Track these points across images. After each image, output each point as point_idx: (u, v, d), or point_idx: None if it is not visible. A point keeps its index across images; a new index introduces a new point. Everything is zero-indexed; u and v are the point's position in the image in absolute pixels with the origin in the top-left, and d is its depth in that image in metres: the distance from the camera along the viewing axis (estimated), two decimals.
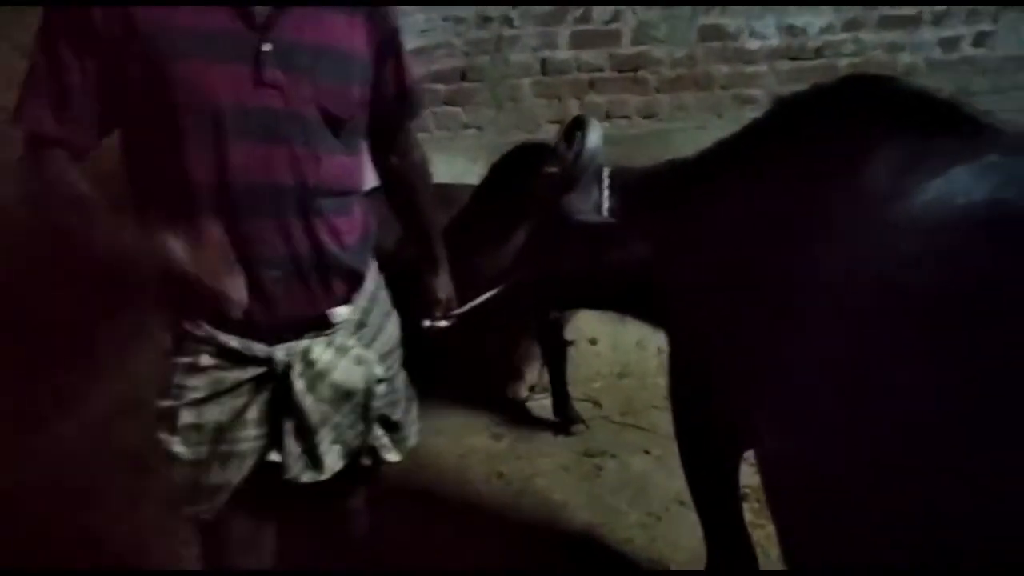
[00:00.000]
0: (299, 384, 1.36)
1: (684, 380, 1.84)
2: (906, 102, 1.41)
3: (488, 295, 2.00)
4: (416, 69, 1.59)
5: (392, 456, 1.59)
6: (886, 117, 1.38)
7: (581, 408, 3.12)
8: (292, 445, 1.37)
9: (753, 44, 3.65)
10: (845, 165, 1.36)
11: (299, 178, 1.29)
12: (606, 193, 1.97)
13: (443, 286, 1.80)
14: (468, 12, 3.51)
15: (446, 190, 2.16)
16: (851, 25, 3.68)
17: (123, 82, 1.20)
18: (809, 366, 1.23)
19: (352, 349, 1.43)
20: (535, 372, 3.33)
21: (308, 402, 1.36)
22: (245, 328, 1.33)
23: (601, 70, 3.65)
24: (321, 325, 1.41)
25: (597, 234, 1.93)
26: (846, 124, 1.43)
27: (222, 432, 1.36)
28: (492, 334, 3.17)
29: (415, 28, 3.45)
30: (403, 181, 1.65)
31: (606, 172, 2.01)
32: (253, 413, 1.37)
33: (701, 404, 1.75)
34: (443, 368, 2.51)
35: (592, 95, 3.69)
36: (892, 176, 1.29)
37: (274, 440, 1.38)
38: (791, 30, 3.66)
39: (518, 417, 3.18)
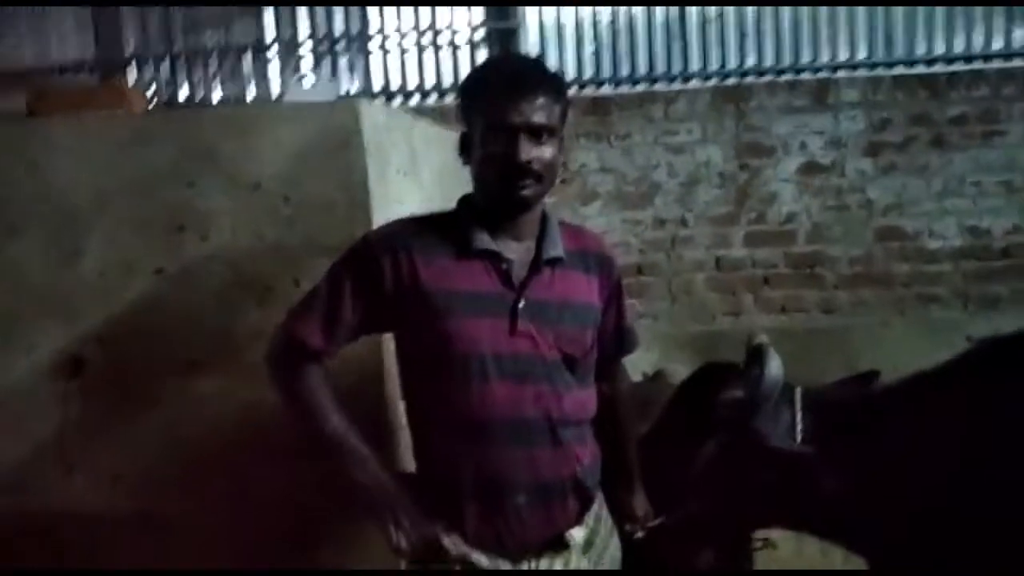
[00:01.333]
0: None
1: None
2: None
3: (667, 517, 2.01)
4: (631, 312, 1.79)
5: None
6: None
7: None
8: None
9: (934, 244, 3.65)
10: None
11: (545, 412, 1.44)
12: (799, 415, 1.98)
13: (640, 504, 1.87)
14: (645, 215, 3.74)
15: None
16: None
17: (396, 326, 1.47)
18: None
19: (583, 566, 1.50)
20: None
21: None
22: (494, 548, 1.45)
23: (775, 266, 3.74)
24: (558, 545, 1.49)
25: (792, 461, 1.93)
26: None
27: None
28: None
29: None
30: (611, 407, 1.76)
31: (798, 393, 2.02)
32: None
33: None
34: None
35: (767, 290, 3.77)
36: None
37: None
38: (974, 231, 3.64)
39: None
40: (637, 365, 2.93)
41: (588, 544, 1.54)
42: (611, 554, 1.62)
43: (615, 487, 1.84)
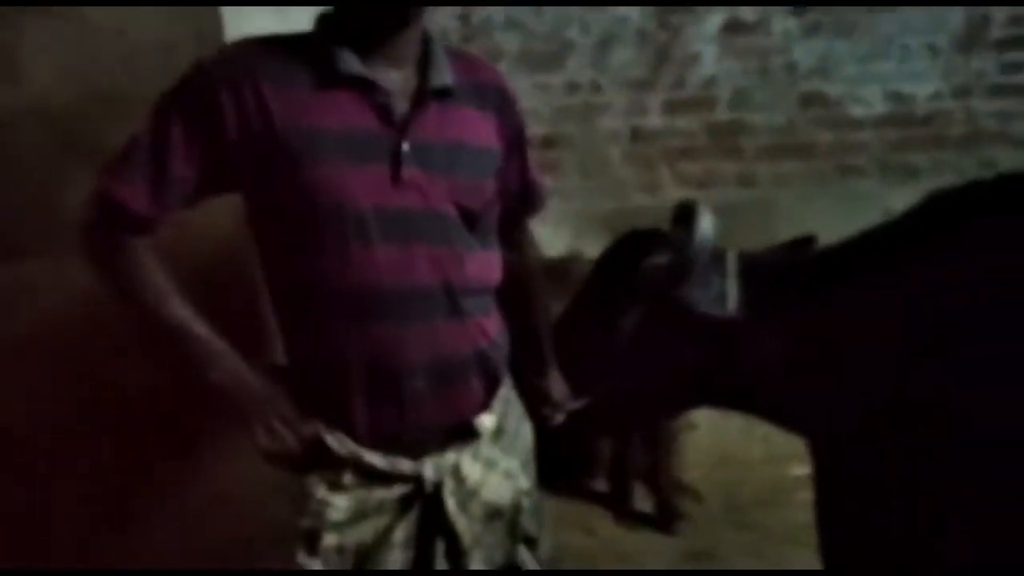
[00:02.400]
0: (451, 503, 1.25)
1: (839, 505, 1.63)
2: None
3: (599, 397, 1.84)
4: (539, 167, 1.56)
5: None
6: None
7: (681, 500, 2.89)
8: (443, 569, 1.25)
9: (857, 111, 3.50)
10: None
11: (442, 278, 1.22)
12: (732, 281, 1.80)
13: (555, 386, 1.70)
14: (555, 79, 3.43)
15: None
16: (960, 93, 3.51)
17: (245, 182, 1.17)
18: None
19: (500, 463, 1.33)
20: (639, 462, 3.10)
21: (461, 523, 1.26)
22: (389, 444, 1.22)
23: (694, 137, 3.52)
24: (465, 434, 1.29)
25: (725, 329, 1.76)
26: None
27: (366, 555, 1.24)
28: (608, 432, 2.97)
29: None
30: (519, 278, 1.54)
31: (731, 257, 1.84)
32: (400, 535, 1.24)
33: (859, 531, 1.55)
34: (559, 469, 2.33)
35: (685, 163, 3.56)
36: None
37: (422, 564, 1.26)
38: (897, 97, 3.50)
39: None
40: (547, 247, 2.72)
41: (498, 432, 1.34)
42: (523, 443, 1.43)
43: (526, 368, 1.65)
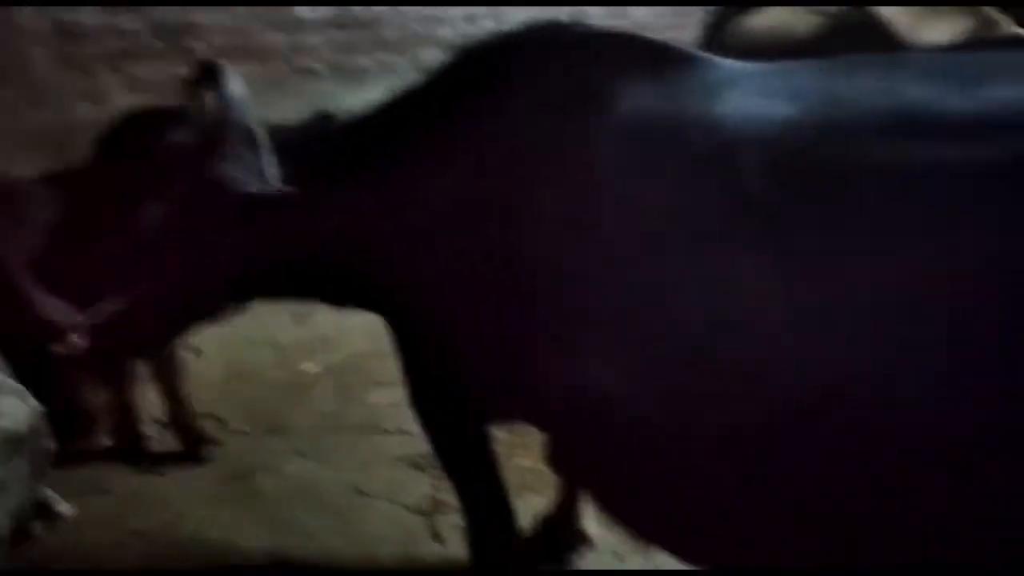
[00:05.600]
0: None
1: (423, 362, 1.68)
2: (609, 42, 1.47)
3: (125, 307, 1.57)
4: None
5: (65, 508, 1.17)
6: (606, 57, 1.40)
7: (204, 426, 2.67)
8: None
9: (305, 13, 3.52)
10: (583, 101, 1.34)
11: None
12: (270, 156, 1.68)
13: (51, 306, 1.42)
14: None
15: None
16: None
17: None
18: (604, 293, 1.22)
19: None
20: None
21: None
22: None
23: (138, 36, 3.13)
24: None
25: (272, 206, 1.63)
26: (566, 66, 1.42)
27: None
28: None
29: None
30: None
31: (260, 131, 1.71)
32: None
33: (445, 383, 1.64)
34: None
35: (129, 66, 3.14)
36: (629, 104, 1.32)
37: None
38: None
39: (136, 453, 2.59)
40: None
41: None
42: None
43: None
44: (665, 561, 1.66)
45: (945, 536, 0.98)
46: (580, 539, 2.15)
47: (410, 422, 2.52)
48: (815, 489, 1.04)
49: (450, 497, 2.30)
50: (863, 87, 1.13)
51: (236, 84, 1.66)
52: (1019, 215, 0.90)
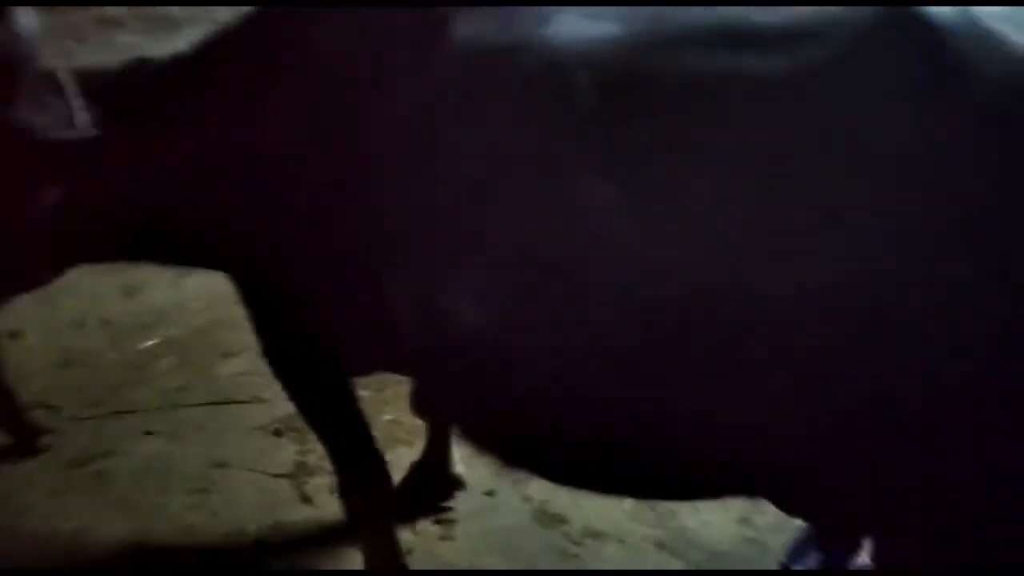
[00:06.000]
0: None
1: (275, 317, 1.60)
2: None
3: None
4: None
5: None
6: None
7: (35, 417, 2.43)
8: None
9: None
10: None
11: None
12: (78, 101, 1.51)
13: None
14: None
15: None
16: None
17: None
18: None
19: None
20: None
21: None
22: None
23: None
24: None
25: (85, 153, 1.48)
26: None
27: None
28: None
29: None
30: None
31: (65, 74, 1.54)
32: None
33: (301, 338, 1.56)
34: None
35: None
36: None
37: None
38: None
39: None
40: None
41: None
42: None
43: None
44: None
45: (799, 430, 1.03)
46: (453, 483, 2.16)
47: (264, 389, 2.45)
48: (679, 405, 1.07)
49: (315, 459, 2.25)
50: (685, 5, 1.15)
51: (28, 19, 1.48)
52: (811, 114, 0.97)
